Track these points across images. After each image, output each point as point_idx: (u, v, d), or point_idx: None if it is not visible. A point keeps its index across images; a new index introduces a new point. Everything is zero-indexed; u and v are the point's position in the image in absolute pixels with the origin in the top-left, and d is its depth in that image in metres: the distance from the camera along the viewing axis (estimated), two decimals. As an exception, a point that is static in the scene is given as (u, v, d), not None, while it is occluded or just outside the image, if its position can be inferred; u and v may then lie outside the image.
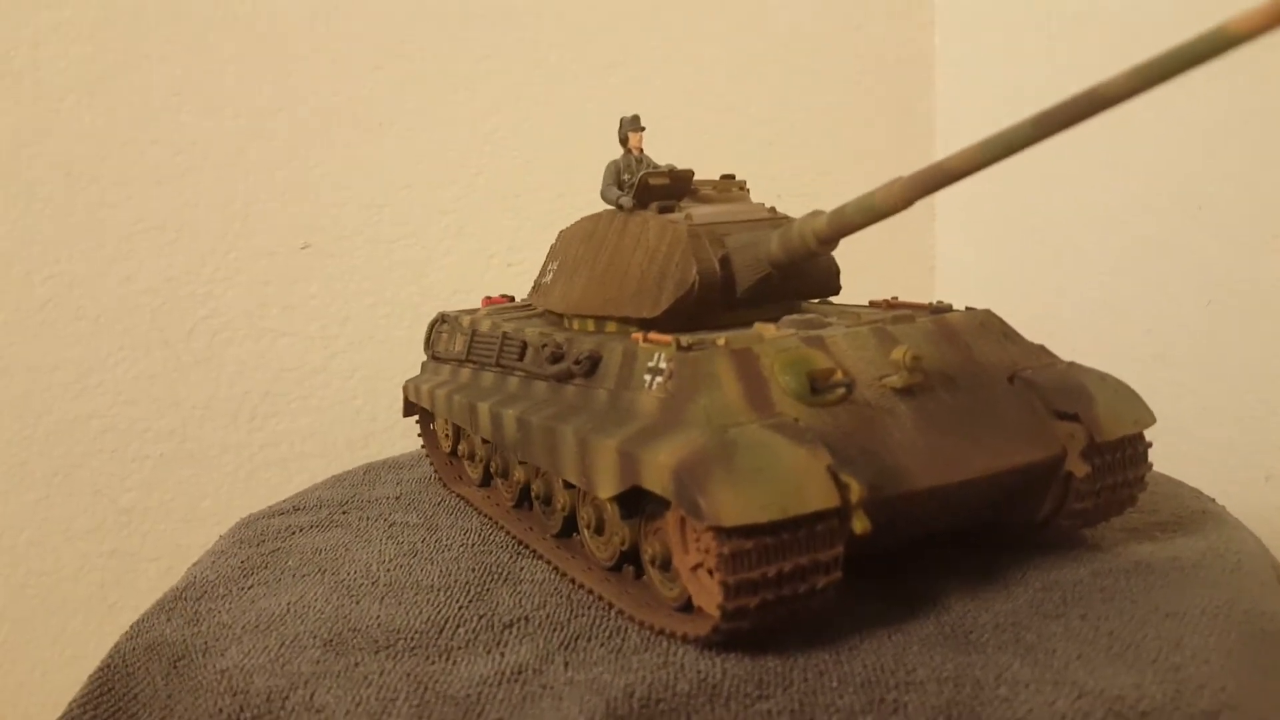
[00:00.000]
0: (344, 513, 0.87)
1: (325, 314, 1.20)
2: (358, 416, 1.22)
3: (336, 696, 0.52)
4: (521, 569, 0.71)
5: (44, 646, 1.15)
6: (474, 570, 0.70)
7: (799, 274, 0.72)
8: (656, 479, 0.53)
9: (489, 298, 1.00)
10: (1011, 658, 0.52)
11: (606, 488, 0.59)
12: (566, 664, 0.55)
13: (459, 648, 0.58)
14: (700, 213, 0.73)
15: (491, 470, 0.86)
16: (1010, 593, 0.61)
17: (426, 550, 0.75)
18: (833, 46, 1.37)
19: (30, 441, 1.11)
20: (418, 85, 1.21)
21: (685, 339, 0.61)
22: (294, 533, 0.82)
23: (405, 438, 1.19)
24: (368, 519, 0.84)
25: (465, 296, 1.21)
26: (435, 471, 0.97)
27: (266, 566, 0.74)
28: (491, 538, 0.78)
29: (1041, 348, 0.68)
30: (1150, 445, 0.65)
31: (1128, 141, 1.12)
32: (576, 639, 0.58)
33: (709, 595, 0.53)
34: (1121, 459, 0.63)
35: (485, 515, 0.83)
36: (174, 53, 1.12)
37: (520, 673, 0.54)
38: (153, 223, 1.13)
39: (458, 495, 0.90)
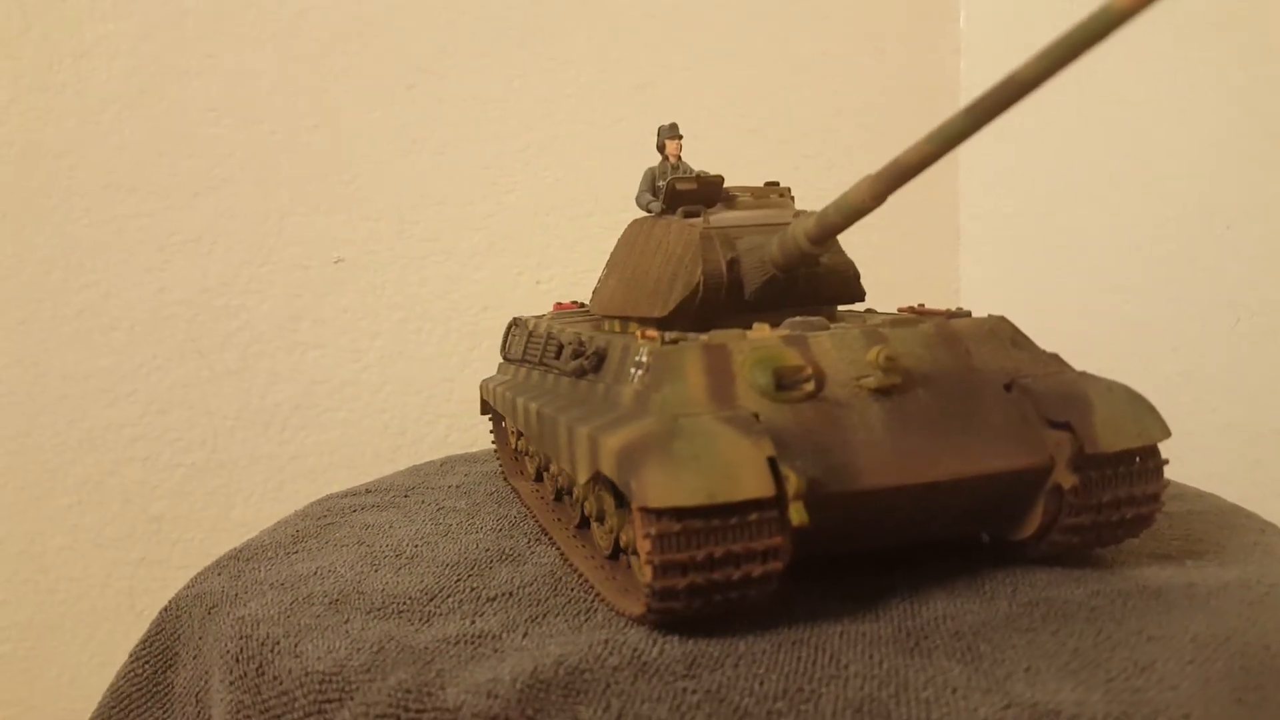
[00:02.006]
0: (405, 496, 0.93)
1: (356, 328, 1.23)
2: (386, 430, 1.24)
3: (315, 645, 0.58)
4: (533, 553, 0.74)
5: (73, 652, 1.17)
6: (488, 551, 0.74)
7: (814, 278, 0.73)
8: (607, 462, 0.55)
9: (559, 304, 1.05)
10: (954, 664, 0.51)
11: (582, 472, 0.61)
12: (525, 634, 0.58)
13: (440, 614, 0.62)
14: (720, 217, 0.75)
15: (538, 465, 0.90)
16: (992, 605, 0.59)
17: (458, 532, 0.80)
18: (863, 73, 1.35)
19: (62, 449, 1.14)
20: (451, 103, 1.24)
21: (672, 335, 0.63)
22: (354, 510, 0.89)
23: (434, 451, 1.23)
24: (423, 503, 0.91)
25: (495, 312, 1.22)
26: (500, 466, 1.02)
27: (315, 536, 0.81)
28: (521, 525, 0.82)
29: (1055, 356, 0.65)
30: (1166, 461, 0.61)
31: (1156, 161, 1.10)
32: (546, 614, 0.61)
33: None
34: (1125, 473, 0.59)
35: (525, 506, 0.87)
36: (213, 68, 1.16)
37: (481, 637, 0.57)
38: (189, 235, 1.16)
39: (512, 488, 0.95)
